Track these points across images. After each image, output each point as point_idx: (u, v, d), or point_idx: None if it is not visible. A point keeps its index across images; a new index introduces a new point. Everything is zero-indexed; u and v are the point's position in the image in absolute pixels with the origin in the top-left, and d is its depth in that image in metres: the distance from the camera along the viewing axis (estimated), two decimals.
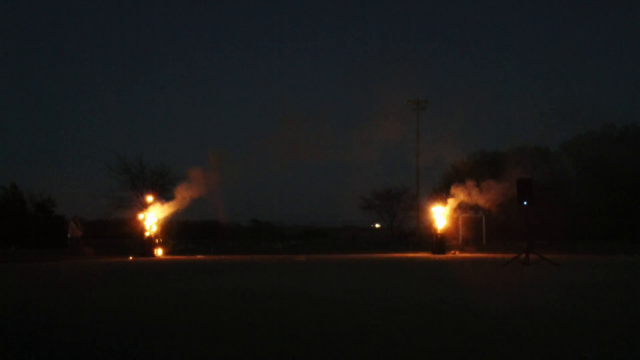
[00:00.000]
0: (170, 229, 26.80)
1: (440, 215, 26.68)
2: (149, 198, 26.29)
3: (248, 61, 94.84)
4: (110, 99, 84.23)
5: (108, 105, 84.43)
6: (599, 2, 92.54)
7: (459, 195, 27.93)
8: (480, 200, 27.71)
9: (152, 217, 24.83)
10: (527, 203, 17.09)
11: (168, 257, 23.47)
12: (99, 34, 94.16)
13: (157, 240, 24.67)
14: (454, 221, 28.60)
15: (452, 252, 25.94)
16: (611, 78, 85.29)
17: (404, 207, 60.10)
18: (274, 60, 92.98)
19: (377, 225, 64.88)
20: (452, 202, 27.56)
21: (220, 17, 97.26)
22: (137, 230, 25.05)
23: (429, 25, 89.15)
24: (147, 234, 24.37)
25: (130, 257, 23.43)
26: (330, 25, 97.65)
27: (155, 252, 24.06)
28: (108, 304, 7.89)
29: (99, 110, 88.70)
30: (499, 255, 20.91)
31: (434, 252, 25.39)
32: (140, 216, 25.16)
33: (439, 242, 25.92)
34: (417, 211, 53.36)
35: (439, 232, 26.34)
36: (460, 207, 29.58)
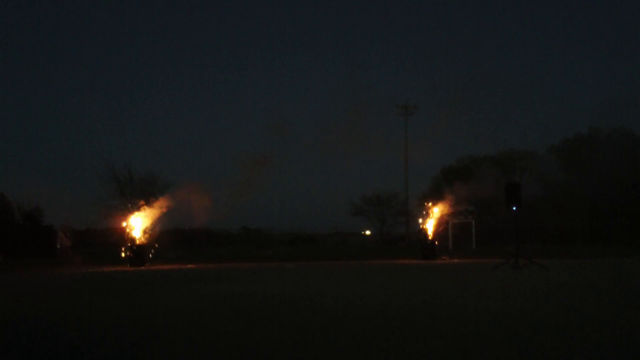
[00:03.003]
0: (167, 237, 26.49)
1: (430, 221, 26.76)
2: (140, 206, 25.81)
3: (238, 69, 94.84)
4: (97, 107, 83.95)
5: (96, 113, 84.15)
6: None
7: (448, 200, 28.07)
8: (468, 196, 27.88)
9: (141, 224, 24.56)
10: (516, 208, 17.20)
11: (160, 266, 23.29)
12: (86, 42, 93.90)
13: (149, 249, 24.45)
14: (444, 226, 28.67)
15: (442, 257, 26.01)
16: (597, 81, 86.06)
17: (393, 213, 60.19)
18: (266, 69, 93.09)
19: (368, 232, 64.97)
20: (441, 208, 27.66)
21: (204, 29, 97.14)
22: (127, 238, 24.65)
23: (425, 26, 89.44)
24: (137, 242, 24.16)
25: (128, 265, 23.23)
26: (323, 29, 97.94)
27: (147, 261, 23.83)
28: (103, 313, 7.86)
29: (87, 118, 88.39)
30: (489, 260, 21.00)
31: (424, 258, 25.43)
32: (128, 223, 24.68)
33: (429, 248, 25.95)
34: (407, 216, 53.56)
35: (428, 237, 26.41)
36: (450, 213, 29.72)
